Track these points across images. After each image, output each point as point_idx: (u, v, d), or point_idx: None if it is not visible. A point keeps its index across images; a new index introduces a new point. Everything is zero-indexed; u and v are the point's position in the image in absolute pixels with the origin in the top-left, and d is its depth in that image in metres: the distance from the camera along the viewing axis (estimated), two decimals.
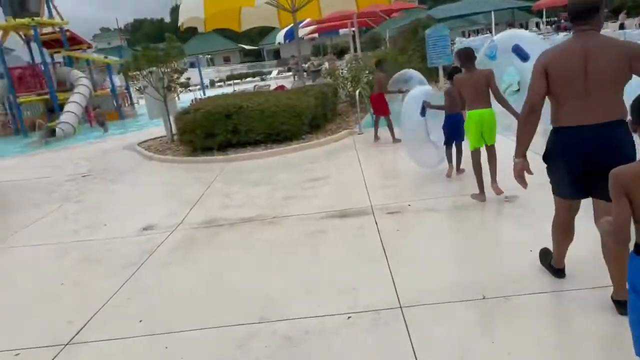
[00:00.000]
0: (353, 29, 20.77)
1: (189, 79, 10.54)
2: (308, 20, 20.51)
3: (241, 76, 38.43)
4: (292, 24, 24.31)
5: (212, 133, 8.16)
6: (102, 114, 16.63)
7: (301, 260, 3.90)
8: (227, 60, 54.92)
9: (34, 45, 19.58)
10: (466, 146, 4.96)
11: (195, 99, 12.31)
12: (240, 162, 7.83)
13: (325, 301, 3.11)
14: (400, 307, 2.91)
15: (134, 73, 9.42)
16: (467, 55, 4.60)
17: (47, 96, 18.16)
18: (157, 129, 12.94)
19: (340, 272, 3.54)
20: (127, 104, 21.46)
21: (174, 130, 10.06)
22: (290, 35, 26.39)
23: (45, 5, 19.24)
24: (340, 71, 11.32)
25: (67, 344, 3.01)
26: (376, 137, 8.00)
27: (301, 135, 8.46)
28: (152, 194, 6.85)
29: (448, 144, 5.46)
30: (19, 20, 17.69)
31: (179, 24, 11.43)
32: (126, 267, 4.13)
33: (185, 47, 12.87)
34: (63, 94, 18.49)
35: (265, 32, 60.42)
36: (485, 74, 4.50)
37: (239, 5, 12.06)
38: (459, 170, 5.53)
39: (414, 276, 3.29)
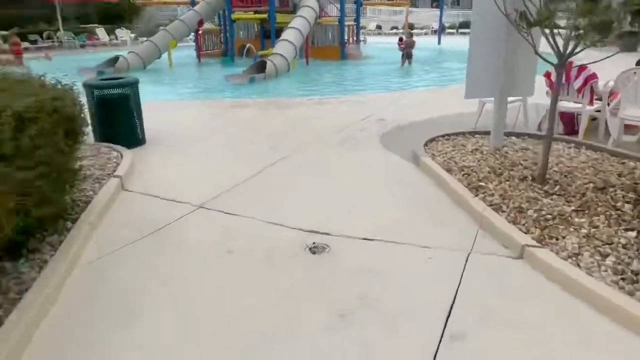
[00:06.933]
0: None
1: None
2: None
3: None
4: None
5: None
6: (412, 43, 13.43)
7: None
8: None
9: None
10: None
11: None
12: None
13: None
14: None
15: None
16: None
17: (264, 15, 14.18)
18: (416, 95, 7.49)
19: None
20: (352, 41, 16.57)
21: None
22: None
23: None
24: None
25: None
26: None
27: None
28: None
29: None
30: None
31: None
32: None
33: None
34: (283, 16, 14.33)
35: None
36: None
37: None
38: None
39: None
